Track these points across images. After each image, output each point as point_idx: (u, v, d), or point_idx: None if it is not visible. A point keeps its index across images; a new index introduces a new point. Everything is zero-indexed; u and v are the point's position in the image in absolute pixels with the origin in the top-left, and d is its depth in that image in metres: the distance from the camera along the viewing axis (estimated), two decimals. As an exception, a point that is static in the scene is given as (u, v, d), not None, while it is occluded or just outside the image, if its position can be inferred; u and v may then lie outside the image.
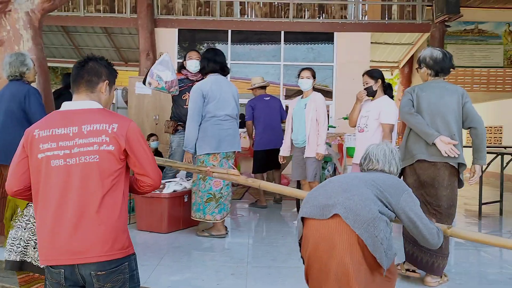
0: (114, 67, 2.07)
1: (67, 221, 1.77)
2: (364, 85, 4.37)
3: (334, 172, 6.14)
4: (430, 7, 9.18)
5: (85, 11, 9.08)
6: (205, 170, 3.42)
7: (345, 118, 5.82)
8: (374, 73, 4.35)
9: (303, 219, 2.25)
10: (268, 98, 6.46)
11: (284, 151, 5.34)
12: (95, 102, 1.92)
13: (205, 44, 9.80)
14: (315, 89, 5.28)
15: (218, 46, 9.50)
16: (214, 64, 4.59)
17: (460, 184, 3.33)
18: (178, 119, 5.18)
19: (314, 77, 5.17)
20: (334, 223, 2.10)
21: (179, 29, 9.20)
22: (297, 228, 2.31)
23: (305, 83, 5.12)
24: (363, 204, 2.09)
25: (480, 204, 6.14)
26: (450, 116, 3.22)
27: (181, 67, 5.36)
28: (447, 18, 8.90)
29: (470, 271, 3.72)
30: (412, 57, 11.99)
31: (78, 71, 1.94)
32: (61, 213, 1.78)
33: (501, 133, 10.82)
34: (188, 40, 9.61)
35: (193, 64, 5.15)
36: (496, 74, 11.80)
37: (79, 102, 1.92)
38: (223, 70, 4.66)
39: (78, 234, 1.77)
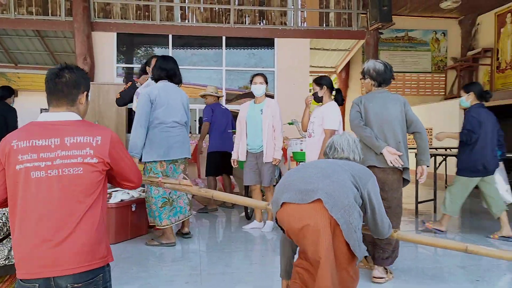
0: (87, 73, 2.02)
1: (47, 234, 1.73)
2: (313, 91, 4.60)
3: (280, 176, 6.25)
4: (364, 15, 9.60)
5: (16, 13, 8.60)
6: (156, 181, 3.37)
7: (289, 123, 5.94)
8: (320, 80, 4.61)
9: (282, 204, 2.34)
10: (224, 107, 6.82)
11: (240, 155, 5.32)
12: (75, 114, 1.90)
13: (144, 49, 9.62)
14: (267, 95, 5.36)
15: (159, 51, 9.37)
16: (161, 71, 4.55)
17: (405, 183, 3.60)
18: None
19: (266, 82, 5.26)
20: (314, 207, 2.21)
21: (117, 33, 8.96)
22: (274, 213, 2.42)
23: (259, 88, 5.19)
24: (342, 190, 2.23)
25: (417, 202, 6.51)
26: (395, 124, 3.50)
27: (143, 72, 5.28)
28: (380, 26, 9.33)
29: (412, 268, 3.94)
30: (349, 62, 12.47)
31: (56, 84, 1.88)
32: (42, 225, 1.74)
33: (431, 135, 11.49)
34: (127, 44, 9.39)
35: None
36: (425, 79, 12.55)
37: (59, 114, 1.88)
38: (171, 78, 4.60)
39: (58, 246, 1.73)
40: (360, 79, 3.84)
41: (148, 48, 9.66)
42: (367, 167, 3.37)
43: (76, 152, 1.79)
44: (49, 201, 1.75)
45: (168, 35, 9.15)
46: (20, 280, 1.77)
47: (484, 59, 11.63)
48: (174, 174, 4.43)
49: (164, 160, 4.40)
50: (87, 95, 1.97)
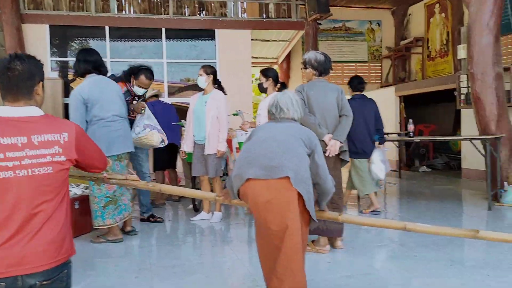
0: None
1: (15, 233, 1.69)
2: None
3: (226, 166, 6.28)
4: (303, 6, 9.78)
5: None
6: (101, 178, 3.29)
7: (234, 114, 5.97)
8: (267, 72, 4.86)
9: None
10: (165, 103, 6.78)
11: (188, 146, 5.35)
12: (36, 108, 1.82)
13: (79, 41, 9.28)
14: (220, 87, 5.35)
15: (95, 43, 9.06)
16: (86, 64, 4.34)
17: (343, 163, 3.98)
18: None
19: (209, 73, 5.21)
20: (280, 182, 2.41)
21: (50, 25, 8.56)
22: (236, 187, 2.56)
23: (199, 80, 5.23)
24: (302, 164, 2.48)
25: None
26: (334, 111, 3.86)
27: (127, 79, 5.02)
28: (318, 17, 9.55)
29: (356, 246, 4.13)
30: (289, 53, 12.66)
31: (9, 79, 1.78)
32: (10, 225, 1.69)
33: (369, 121, 11.94)
34: (61, 37, 9.01)
35: (141, 91, 5.02)
36: (362, 68, 13.00)
37: (19, 109, 1.79)
38: (99, 69, 4.40)
39: (26, 244, 1.70)
40: (301, 69, 4.08)
41: (84, 41, 9.32)
42: None
43: (45, 151, 1.75)
44: (18, 202, 1.70)
45: (104, 27, 8.86)
46: None
47: (416, 48, 12.22)
48: (122, 171, 4.32)
49: (108, 156, 4.28)
50: (43, 85, 1.90)
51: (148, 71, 5.01)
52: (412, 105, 11.18)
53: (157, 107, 6.32)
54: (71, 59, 8.88)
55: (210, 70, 5.26)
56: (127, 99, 4.91)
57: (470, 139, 5.68)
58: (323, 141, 3.70)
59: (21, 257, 1.70)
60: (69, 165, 1.85)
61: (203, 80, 5.21)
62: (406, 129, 8.11)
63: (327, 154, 3.68)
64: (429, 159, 10.98)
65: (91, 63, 4.35)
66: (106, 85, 4.39)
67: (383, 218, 5.21)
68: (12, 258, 1.69)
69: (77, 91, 4.24)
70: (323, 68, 3.89)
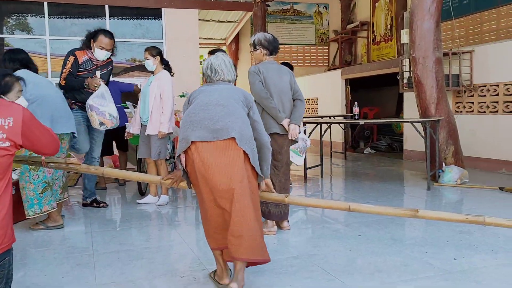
0: None
1: None
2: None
3: (173, 149, 6.17)
4: (251, -13, 9.68)
5: None
6: (39, 162, 3.13)
7: (181, 96, 5.86)
8: (152, 50, 5.10)
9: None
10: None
11: (133, 128, 5.25)
12: None
13: (15, 17, 8.71)
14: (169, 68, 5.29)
15: (33, 19, 8.54)
16: (13, 63, 4.11)
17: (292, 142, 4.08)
18: (72, 98, 4.81)
19: (154, 55, 5.10)
20: (227, 143, 2.54)
21: (-18, -1, 7.99)
22: (180, 150, 2.61)
23: (147, 64, 5.14)
24: (245, 125, 2.61)
25: (305, 169, 6.88)
26: (289, 94, 3.94)
27: (87, 46, 4.78)
28: (267, -2, 9.52)
29: (308, 226, 4.20)
30: (238, 34, 12.55)
31: None
32: None
33: (317, 104, 12.15)
34: (-4, 12, 8.42)
35: (103, 54, 4.79)
36: (310, 51, 13.13)
37: None
38: (28, 67, 4.16)
39: None
40: (251, 51, 4.07)
41: (21, 17, 8.76)
42: (270, 134, 3.70)
43: None
44: None
45: (43, 2, 8.37)
46: None
47: (362, 32, 12.47)
48: (60, 154, 4.13)
49: None
50: None
51: (106, 31, 4.85)
52: (357, 88, 11.45)
53: None
54: (7, 36, 8.35)
55: (156, 51, 5.13)
56: (88, 68, 4.75)
57: (411, 122, 5.89)
58: (281, 124, 3.83)
59: None
60: (14, 150, 1.79)
61: (151, 63, 5.11)
62: (351, 112, 8.30)
63: (290, 138, 3.87)
64: (373, 141, 11.34)
65: (18, 60, 4.13)
66: (42, 81, 4.23)
67: (329, 199, 5.32)
68: None
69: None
70: (272, 47, 3.94)
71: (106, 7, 8.75)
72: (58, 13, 8.61)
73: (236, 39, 12.85)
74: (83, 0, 8.58)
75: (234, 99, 2.70)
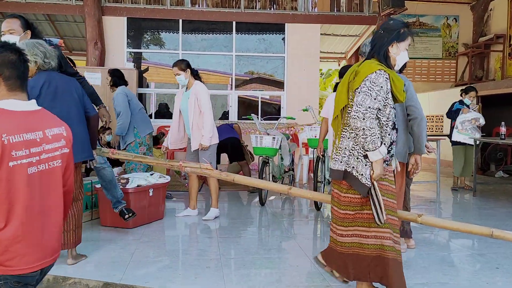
0: None
1: (49, 225, 1.77)
2: None
3: (292, 163, 6.23)
4: (376, 0, 9.48)
5: (26, -4, 8.55)
6: (177, 165, 3.38)
7: (304, 110, 5.91)
8: (180, 64, 4.97)
9: None
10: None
11: (171, 144, 5.06)
12: (35, 101, 1.80)
13: (151, 33, 9.55)
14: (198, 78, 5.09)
15: (169, 35, 9.34)
16: (123, 80, 5.70)
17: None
18: None
19: (184, 69, 4.93)
20: None
21: (128, 18, 8.90)
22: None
23: (179, 80, 4.98)
24: None
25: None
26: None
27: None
28: (392, 11, 9.22)
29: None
30: (358, 48, 12.35)
31: (25, 68, 1.74)
32: (44, 219, 1.75)
33: (442, 122, 11.43)
34: (137, 29, 9.34)
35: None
36: (435, 65, 12.43)
37: (29, 102, 1.76)
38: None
39: (52, 236, 1.80)
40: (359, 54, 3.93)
41: (158, 33, 9.60)
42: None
43: (56, 144, 1.78)
44: (43, 196, 1.74)
45: (178, 20, 9.08)
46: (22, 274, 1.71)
47: (496, 45, 11.50)
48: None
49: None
50: None
51: None
52: (489, 105, 10.54)
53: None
54: (144, 51, 9.21)
55: (184, 64, 4.97)
56: None
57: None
58: None
59: (53, 245, 1.81)
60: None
61: (183, 78, 4.95)
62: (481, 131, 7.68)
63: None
64: (506, 164, 10.32)
65: (123, 79, 5.82)
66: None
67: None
68: (51, 247, 1.80)
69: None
70: None
71: (233, 23, 9.21)
72: (191, 30, 9.28)
73: (356, 52, 12.63)
74: (213, 17, 9.14)
75: None
